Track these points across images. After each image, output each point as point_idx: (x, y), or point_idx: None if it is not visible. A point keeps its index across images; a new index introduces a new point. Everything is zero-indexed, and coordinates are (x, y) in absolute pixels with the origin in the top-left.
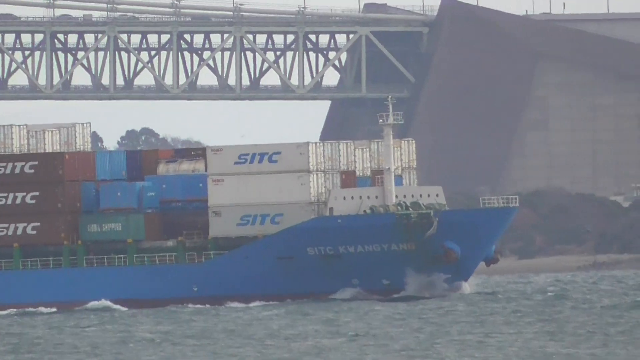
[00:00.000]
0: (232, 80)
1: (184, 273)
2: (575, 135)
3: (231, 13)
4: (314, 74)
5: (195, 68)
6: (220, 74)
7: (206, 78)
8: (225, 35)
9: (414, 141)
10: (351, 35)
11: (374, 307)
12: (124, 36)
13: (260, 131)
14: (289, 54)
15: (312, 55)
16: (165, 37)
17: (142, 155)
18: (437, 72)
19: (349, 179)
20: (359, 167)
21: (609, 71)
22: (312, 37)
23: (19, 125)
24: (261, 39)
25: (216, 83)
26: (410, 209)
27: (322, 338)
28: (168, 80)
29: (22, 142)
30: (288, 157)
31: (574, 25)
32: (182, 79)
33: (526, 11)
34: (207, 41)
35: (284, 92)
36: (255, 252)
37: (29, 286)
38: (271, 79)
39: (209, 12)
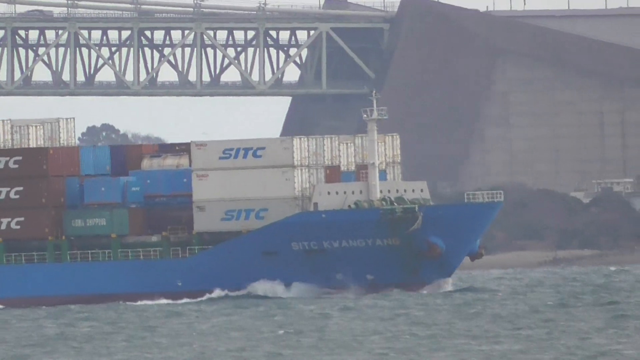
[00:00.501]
0: (192, 77)
1: (168, 268)
2: (535, 131)
3: (192, 9)
4: (275, 70)
5: (155, 64)
6: (180, 70)
7: (167, 74)
8: (186, 32)
9: (398, 136)
10: (312, 32)
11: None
12: (85, 32)
13: (222, 128)
14: (250, 50)
15: (272, 51)
16: (126, 34)
17: (126, 150)
18: (398, 68)
19: (334, 174)
20: (343, 162)
21: (569, 67)
22: (273, 33)
23: (3, 120)
24: (222, 35)
25: (177, 79)
26: (395, 204)
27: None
28: (129, 76)
29: (6, 137)
30: (272, 152)
31: (535, 22)
32: (143, 75)
33: (487, 7)
34: (167, 37)
35: (245, 88)
36: (239, 247)
37: (13, 281)
38: (232, 75)
39: (169, 8)
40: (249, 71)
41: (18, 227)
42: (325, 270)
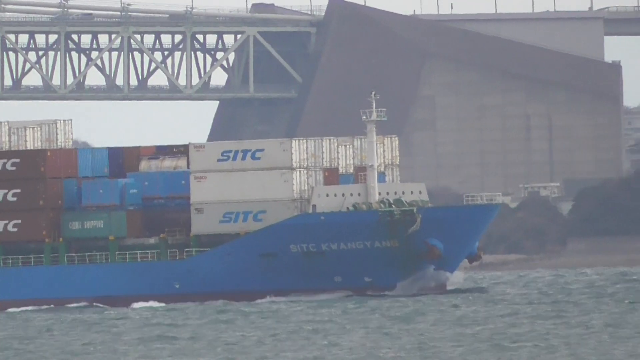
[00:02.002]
0: (119, 81)
1: (166, 270)
2: (462, 134)
3: (119, 13)
4: (202, 74)
5: (83, 68)
6: (108, 74)
7: (94, 78)
8: (113, 36)
9: (397, 138)
10: (239, 36)
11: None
12: (12, 36)
13: (149, 132)
14: (177, 54)
15: (199, 55)
16: (53, 37)
17: (124, 152)
18: (325, 72)
19: (332, 176)
20: (341, 164)
21: (495, 71)
22: (200, 37)
23: (1, 122)
24: (149, 39)
25: (104, 83)
26: (394, 206)
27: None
28: (56, 80)
29: (4, 139)
30: (271, 154)
31: (462, 25)
32: (70, 79)
33: (414, 11)
34: (95, 41)
35: (172, 92)
36: (237, 250)
37: (10, 284)
38: (159, 79)
39: (96, 12)
40: (176, 75)
41: (15, 229)
42: (324, 273)
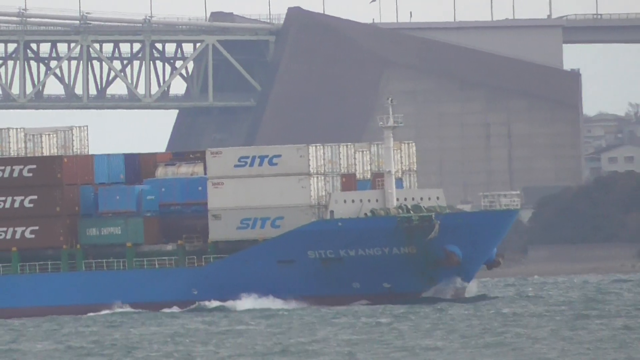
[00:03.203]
0: (79, 90)
1: (183, 277)
2: (421, 143)
3: (78, 22)
4: (161, 83)
5: (42, 77)
6: (67, 83)
7: (53, 87)
8: (72, 44)
9: (414, 144)
10: (198, 44)
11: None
12: None
13: (108, 141)
14: (136, 63)
15: (159, 64)
16: (12, 46)
17: (140, 158)
18: (284, 81)
19: (349, 181)
20: (359, 169)
21: (454, 79)
22: (159, 45)
23: (16, 129)
24: (108, 47)
25: (63, 92)
26: (412, 212)
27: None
28: (15, 89)
29: (20, 145)
30: (288, 160)
31: (421, 34)
32: (29, 88)
33: (373, 19)
34: (54, 50)
35: (131, 101)
36: (255, 256)
37: (28, 291)
38: (118, 88)
39: (55, 20)
40: (135, 84)
41: (32, 236)
42: (342, 279)
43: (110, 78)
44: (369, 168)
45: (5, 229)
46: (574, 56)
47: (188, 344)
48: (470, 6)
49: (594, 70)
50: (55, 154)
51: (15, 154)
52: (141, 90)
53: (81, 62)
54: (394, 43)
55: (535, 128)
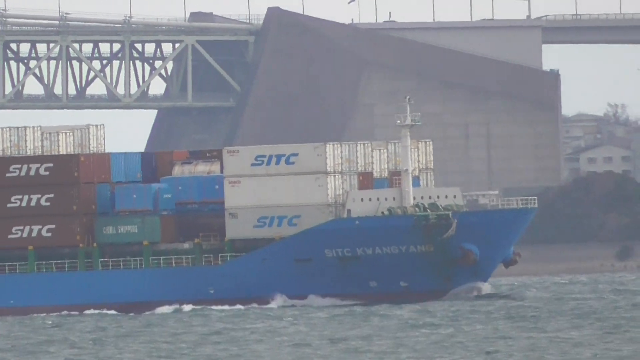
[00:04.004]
0: (58, 89)
1: (200, 275)
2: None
3: (57, 22)
4: (140, 83)
5: (21, 77)
6: (46, 83)
7: (32, 87)
8: (52, 44)
9: (431, 142)
10: (177, 44)
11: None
12: None
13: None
14: (115, 63)
15: (138, 64)
16: None
17: (156, 156)
18: (263, 81)
19: (366, 180)
20: (376, 168)
21: (434, 79)
22: (139, 46)
23: (33, 127)
24: (87, 47)
25: (42, 92)
26: (429, 210)
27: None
28: None
29: (36, 144)
30: (305, 158)
31: (400, 34)
32: (9, 88)
33: (352, 20)
34: (33, 50)
35: (111, 101)
36: (272, 254)
37: (44, 289)
38: (97, 88)
39: (35, 21)
40: (114, 84)
41: (49, 234)
42: (359, 277)
43: (90, 78)
44: (386, 166)
45: (22, 227)
46: (553, 57)
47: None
48: (449, 7)
49: (574, 71)
50: (72, 153)
51: (32, 153)
52: (120, 90)
53: (60, 62)
54: (373, 43)
55: (514, 128)
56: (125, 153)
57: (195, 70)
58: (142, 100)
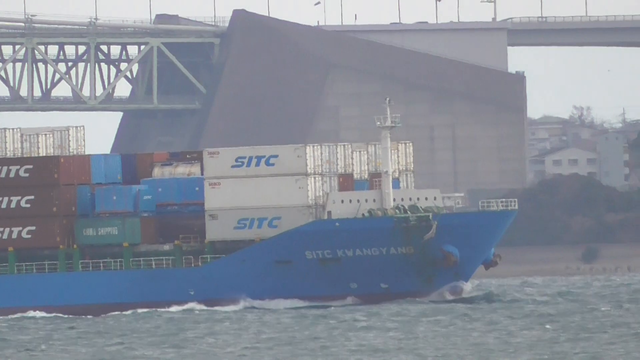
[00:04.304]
0: (23, 92)
1: (180, 277)
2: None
3: (23, 24)
4: (106, 85)
5: None
6: (12, 85)
7: None
8: (17, 47)
9: (411, 144)
10: (142, 47)
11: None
12: None
13: None
14: (81, 65)
15: (103, 66)
16: None
17: (137, 158)
18: (228, 83)
19: (347, 182)
20: (356, 170)
21: (399, 81)
22: (104, 48)
23: (13, 129)
24: (53, 50)
25: (8, 94)
26: (409, 212)
27: None
28: None
29: (16, 145)
30: (285, 160)
31: (365, 36)
32: None
33: (318, 22)
34: None
35: (76, 103)
36: (252, 256)
37: (24, 290)
38: (63, 90)
39: (0, 22)
40: (80, 86)
41: (29, 236)
42: (339, 279)
43: (55, 80)
44: (366, 168)
45: (2, 229)
46: (519, 59)
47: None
48: (415, 9)
49: (539, 73)
50: (52, 154)
51: (12, 154)
52: (86, 92)
53: (26, 64)
54: (338, 45)
55: (479, 130)
56: (105, 155)
57: (161, 73)
58: (108, 102)
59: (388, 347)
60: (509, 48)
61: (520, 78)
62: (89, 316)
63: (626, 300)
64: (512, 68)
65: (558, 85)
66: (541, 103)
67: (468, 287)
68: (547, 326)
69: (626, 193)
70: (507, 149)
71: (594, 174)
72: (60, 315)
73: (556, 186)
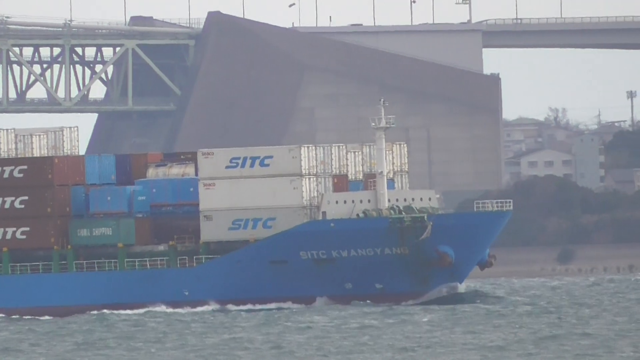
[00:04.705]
0: None
1: (175, 278)
2: None
3: None
4: (81, 87)
5: None
6: None
7: None
8: None
9: (405, 145)
10: (117, 48)
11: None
12: None
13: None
14: (56, 67)
15: (78, 68)
16: None
17: (131, 159)
18: (203, 85)
19: (341, 182)
20: (351, 170)
21: (374, 83)
22: (79, 50)
23: (7, 130)
24: (28, 51)
25: None
26: (404, 213)
27: None
28: None
29: (10, 146)
30: (280, 160)
31: (340, 38)
32: None
33: (293, 24)
34: None
35: (51, 104)
36: (247, 257)
37: (19, 291)
38: (38, 91)
39: None
40: (55, 88)
41: (23, 237)
42: (334, 280)
43: (30, 82)
44: (361, 169)
45: None
46: (494, 60)
47: None
48: (390, 10)
49: (514, 75)
50: (46, 155)
51: (6, 155)
52: (61, 94)
53: (1, 65)
54: (313, 47)
55: (454, 132)
56: (99, 155)
57: (136, 74)
58: (83, 104)
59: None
60: (484, 50)
61: (495, 79)
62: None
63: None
64: (487, 70)
65: (533, 87)
66: (516, 105)
67: (462, 289)
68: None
69: (602, 194)
70: (482, 151)
71: (569, 175)
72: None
73: (532, 188)
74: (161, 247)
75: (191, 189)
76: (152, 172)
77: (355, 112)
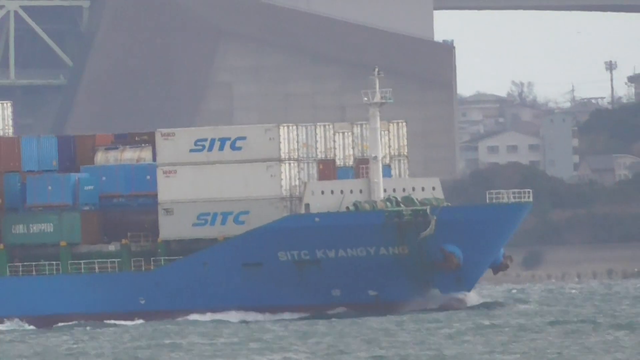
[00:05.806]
0: None
1: (129, 283)
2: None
3: None
4: None
5: None
6: None
7: None
8: None
9: (404, 123)
10: None
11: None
12: None
13: None
14: None
15: None
16: None
17: (76, 141)
18: (101, 55)
19: (328, 169)
20: (339, 155)
21: (305, 53)
22: None
23: None
24: None
25: None
26: (402, 205)
27: None
28: None
29: None
30: (255, 143)
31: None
32: None
33: None
34: None
35: None
36: (215, 258)
37: None
38: None
39: None
40: None
41: None
42: (319, 286)
43: None
44: (351, 153)
45: None
46: (446, 25)
47: None
48: None
49: (471, 43)
50: None
51: None
52: None
53: None
54: (232, 10)
55: (401, 111)
56: (38, 137)
57: (19, 42)
58: None
59: None
60: (435, 12)
61: (448, 48)
62: None
63: None
64: (438, 36)
65: (493, 57)
66: (473, 78)
67: (473, 298)
68: None
69: (575, 185)
70: (434, 134)
71: (537, 163)
72: None
73: (492, 177)
74: (112, 247)
75: (148, 177)
76: (101, 157)
77: (282, 87)
